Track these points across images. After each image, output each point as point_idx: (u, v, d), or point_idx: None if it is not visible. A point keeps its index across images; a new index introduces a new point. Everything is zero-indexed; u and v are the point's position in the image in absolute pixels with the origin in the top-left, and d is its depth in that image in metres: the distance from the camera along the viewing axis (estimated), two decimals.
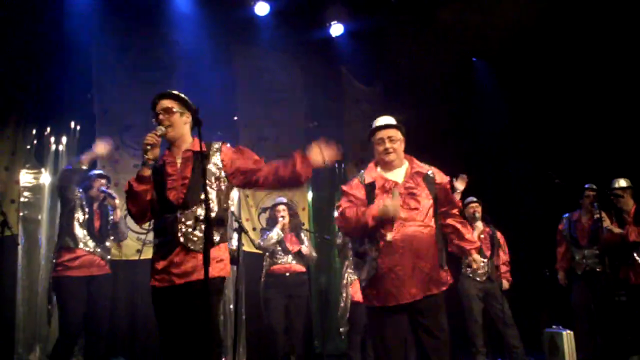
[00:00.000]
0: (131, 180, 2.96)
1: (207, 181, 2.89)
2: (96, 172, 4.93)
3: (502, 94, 7.61)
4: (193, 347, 2.79)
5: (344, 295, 5.83)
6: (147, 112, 6.66)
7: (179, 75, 6.69)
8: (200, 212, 2.86)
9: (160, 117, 3.02)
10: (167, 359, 2.86)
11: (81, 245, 4.51)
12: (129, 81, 6.42)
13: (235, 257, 5.05)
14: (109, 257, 4.76)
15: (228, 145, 3.12)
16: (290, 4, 6.68)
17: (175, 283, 2.85)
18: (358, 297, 5.79)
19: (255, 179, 3.02)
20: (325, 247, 7.42)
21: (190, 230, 2.85)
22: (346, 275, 5.83)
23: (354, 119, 7.96)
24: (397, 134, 3.38)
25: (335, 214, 6.00)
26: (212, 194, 2.94)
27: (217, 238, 2.92)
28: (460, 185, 4.95)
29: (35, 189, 5.89)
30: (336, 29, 7.19)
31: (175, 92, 3.10)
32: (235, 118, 7.11)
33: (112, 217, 4.83)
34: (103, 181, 4.80)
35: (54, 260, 4.54)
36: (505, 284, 5.82)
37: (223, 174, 3.01)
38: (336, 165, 7.85)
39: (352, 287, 5.81)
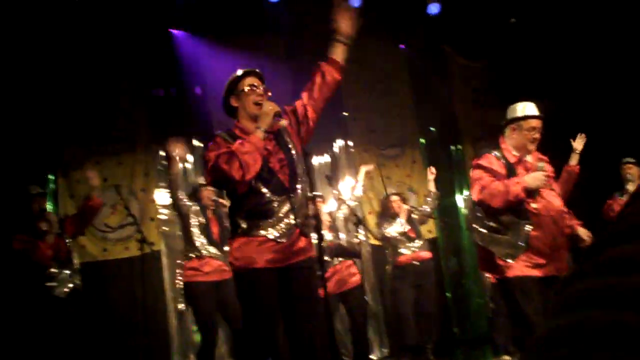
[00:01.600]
0: (252, 140, 2.80)
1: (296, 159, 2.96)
2: (200, 182, 5.07)
3: None
4: (304, 325, 2.87)
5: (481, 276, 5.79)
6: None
7: (283, 80, 6.87)
8: (300, 194, 2.92)
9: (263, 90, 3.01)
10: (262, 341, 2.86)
11: (204, 252, 4.74)
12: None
13: (357, 250, 5.12)
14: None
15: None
16: None
17: (289, 263, 2.87)
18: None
19: (305, 124, 3.01)
20: (450, 230, 7.31)
21: (299, 212, 2.90)
22: None
23: (465, 97, 7.77)
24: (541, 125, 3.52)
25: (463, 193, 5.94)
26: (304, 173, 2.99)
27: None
28: (578, 145, 4.69)
29: (170, 206, 6.30)
30: (433, 8, 7.03)
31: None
32: (345, 114, 7.18)
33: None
34: (210, 189, 4.94)
35: (183, 267, 4.81)
36: None
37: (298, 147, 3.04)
38: (452, 147, 7.71)
39: None
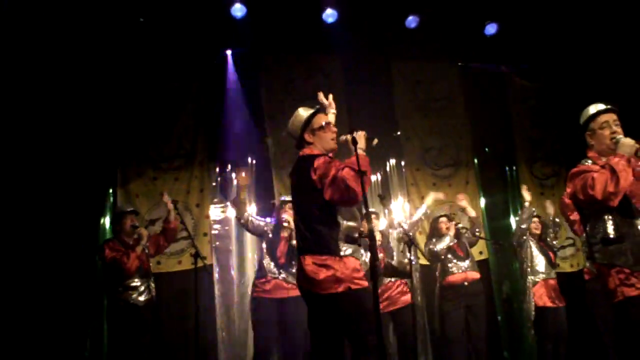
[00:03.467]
0: (366, 162, 3.08)
1: None
2: (287, 198, 5.24)
3: None
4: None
5: (527, 299, 5.73)
6: None
7: (339, 98, 6.91)
8: None
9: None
10: None
11: (268, 270, 4.88)
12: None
13: (408, 271, 5.12)
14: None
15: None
16: (441, 11, 6.60)
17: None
18: (542, 301, 5.61)
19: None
20: (502, 252, 7.17)
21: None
22: (528, 278, 5.75)
23: (522, 118, 7.62)
24: (617, 118, 3.30)
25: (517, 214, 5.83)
26: None
27: None
28: None
29: (224, 222, 6.41)
30: (490, 28, 6.93)
31: None
32: (398, 133, 7.16)
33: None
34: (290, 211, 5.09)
35: (253, 283, 4.98)
36: None
37: None
38: (507, 168, 7.57)
39: (535, 291, 5.69)
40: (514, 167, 7.53)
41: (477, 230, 6.00)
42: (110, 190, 6.08)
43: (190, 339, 5.40)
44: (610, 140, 3.19)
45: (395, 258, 5.46)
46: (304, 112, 3.31)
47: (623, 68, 6.66)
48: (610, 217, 3.09)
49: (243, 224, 5.14)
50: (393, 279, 5.43)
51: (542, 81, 7.71)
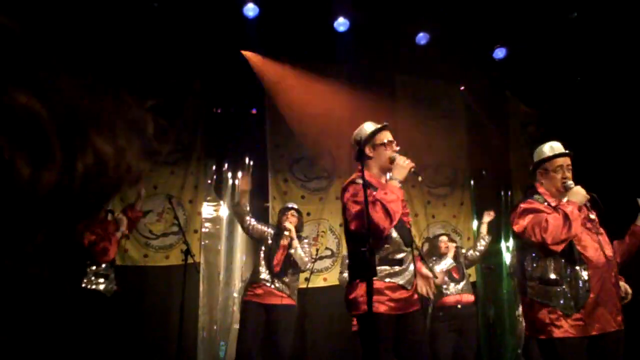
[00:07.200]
0: (394, 190, 3.05)
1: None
2: (290, 205, 5.21)
3: None
4: None
5: (520, 327, 5.65)
6: (313, 146, 6.95)
7: (342, 108, 6.91)
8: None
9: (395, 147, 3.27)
10: None
11: (262, 276, 4.80)
12: (297, 116, 6.76)
13: None
14: (293, 285, 4.98)
15: None
16: (451, 30, 6.61)
17: (408, 311, 3.06)
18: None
19: None
20: (491, 277, 7.14)
21: (416, 264, 3.18)
22: (520, 309, 5.66)
23: (521, 143, 7.63)
24: (570, 162, 3.37)
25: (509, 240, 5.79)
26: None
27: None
28: None
29: (215, 220, 6.37)
30: (499, 52, 6.96)
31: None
32: (397, 148, 7.12)
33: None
34: (295, 214, 5.07)
35: (245, 287, 4.90)
36: None
37: None
38: (502, 192, 7.56)
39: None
40: (509, 192, 7.53)
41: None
42: None
43: (171, 336, 5.32)
44: (561, 184, 3.27)
45: None
46: (370, 126, 3.31)
47: (624, 104, 6.70)
48: (553, 259, 3.16)
49: (245, 228, 5.04)
50: None
51: (543, 109, 7.73)
